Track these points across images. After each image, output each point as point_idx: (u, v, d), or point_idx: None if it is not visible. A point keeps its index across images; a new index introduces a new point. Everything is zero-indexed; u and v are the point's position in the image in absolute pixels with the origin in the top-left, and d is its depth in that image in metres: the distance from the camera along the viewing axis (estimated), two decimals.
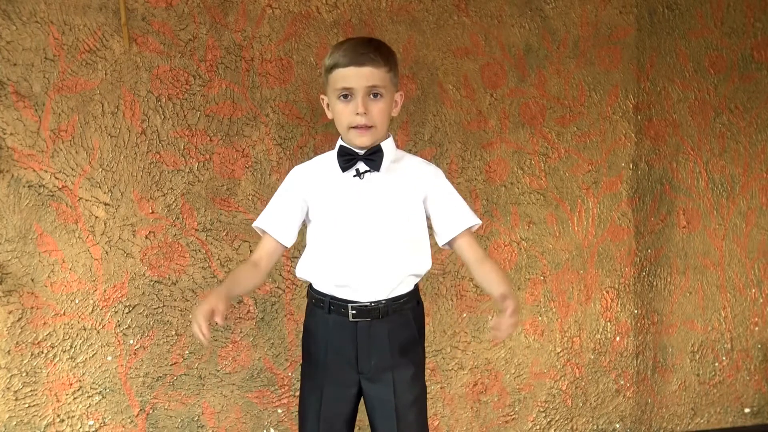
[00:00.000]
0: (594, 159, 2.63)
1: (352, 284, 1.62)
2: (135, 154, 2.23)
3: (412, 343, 1.69)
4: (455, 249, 1.70)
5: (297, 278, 1.74)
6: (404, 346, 1.67)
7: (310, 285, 1.71)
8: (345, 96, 1.59)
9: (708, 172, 2.76)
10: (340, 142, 1.66)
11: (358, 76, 1.57)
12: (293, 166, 1.77)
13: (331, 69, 1.60)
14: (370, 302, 1.63)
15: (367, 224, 1.62)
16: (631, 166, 2.67)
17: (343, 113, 1.60)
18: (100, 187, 2.21)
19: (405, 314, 1.68)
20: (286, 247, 1.69)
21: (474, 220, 1.69)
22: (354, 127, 1.59)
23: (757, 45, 2.78)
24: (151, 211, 2.25)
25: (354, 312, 1.62)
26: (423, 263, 1.69)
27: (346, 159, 1.63)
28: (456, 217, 1.68)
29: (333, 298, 1.64)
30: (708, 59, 2.73)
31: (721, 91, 2.75)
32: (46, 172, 2.17)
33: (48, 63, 2.14)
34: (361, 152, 1.63)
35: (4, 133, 2.13)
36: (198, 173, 2.28)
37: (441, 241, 1.70)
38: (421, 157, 2.39)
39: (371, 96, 1.59)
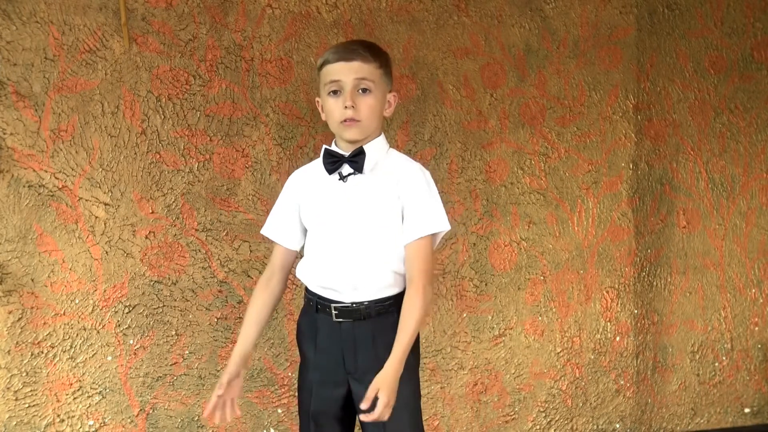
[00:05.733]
0: (594, 159, 2.63)
1: (334, 285, 1.64)
2: (135, 154, 2.23)
3: None
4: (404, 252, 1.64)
5: (296, 278, 1.75)
6: (390, 348, 1.62)
7: (306, 286, 1.73)
8: (335, 92, 1.61)
9: (708, 172, 2.76)
10: (333, 145, 1.68)
11: (346, 70, 1.59)
12: (293, 166, 1.80)
13: (321, 66, 1.64)
14: (352, 303, 1.63)
15: (348, 226, 1.63)
16: (631, 166, 2.67)
17: (333, 108, 1.61)
18: (100, 187, 2.21)
19: (391, 316, 1.63)
20: (296, 251, 1.73)
21: (432, 229, 1.62)
22: (343, 121, 1.60)
23: (757, 45, 2.78)
24: (151, 211, 2.25)
25: (336, 312, 1.64)
26: None
27: (331, 162, 1.64)
28: (412, 222, 1.62)
29: (319, 297, 1.67)
30: (708, 59, 2.73)
31: (721, 91, 2.75)
32: (46, 172, 2.17)
33: (48, 63, 2.14)
34: (346, 154, 1.64)
35: (4, 133, 2.13)
36: (198, 173, 2.28)
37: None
38: (421, 156, 2.43)
39: (360, 91, 1.60)
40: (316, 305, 1.67)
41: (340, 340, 1.64)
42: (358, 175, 1.64)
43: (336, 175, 1.65)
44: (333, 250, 1.64)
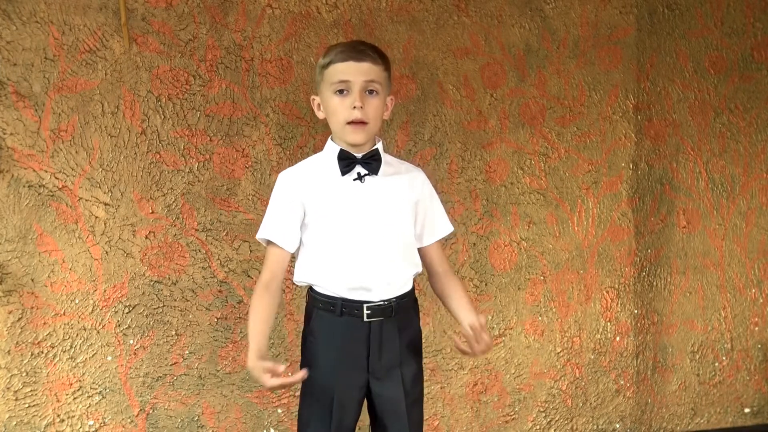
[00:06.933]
0: (594, 159, 2.63)
1: (367, 285, 1.63)
2: (135, 154, 2.23)
3: (416, 340, 1.74)
4: (423, 253, 1.75)
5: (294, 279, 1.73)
6: (410, 343, 1.70)
7: (311, 288, 1.70)
8: (341, 91, 1.60)
9: (708, 172, 2.76)
10: (338, 146, 1.66)
11: (356, 71, 1.58)
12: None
13: (327, 65, 1.61)
14: (383, 301, 1.64)
15: (374, 226, 1.64)
16: (631, 166, 2.67)
17: (339, 108, 1.60)
18: (100, 187, 2.21)
19: (409, 311, 1.72)
20: (291, 254, 1.70)
21: (449, 229, 1.78)
22: (350, 123, 1.60)
23: (757, 45, 2.78)
24: (151, 211, 2.25)
25: (369, 312, 1.63)
26: (419, 262, 1.74)
27: (346, 162, 1.64)
28: (436, 224, 1.75)
29: (345, 300, 1.64)
30: (708, 59, 2.73)
31: (721, 91, 2.75)
32: (46, 172, 2.17)
33: (48, 63, 2.14)
34: (359, 156, 1.64)
35: (4, 133, 2.13)
36: (198, 173, 2.28)
37: (418, 244, 1.75)
38: (421, 156, 2.43)
39: (367, 92, 1.60)
40: (340, 308, 1.64)
41: (367, 340, 1.64)
42: (373, 176, 1.65)
43: (349, 177, 1.64)
44: (363, 250, 1.63)
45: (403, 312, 1.68)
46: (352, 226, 1.63)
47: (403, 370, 1.67)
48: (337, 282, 1.65)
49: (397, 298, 1.66)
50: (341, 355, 1.64)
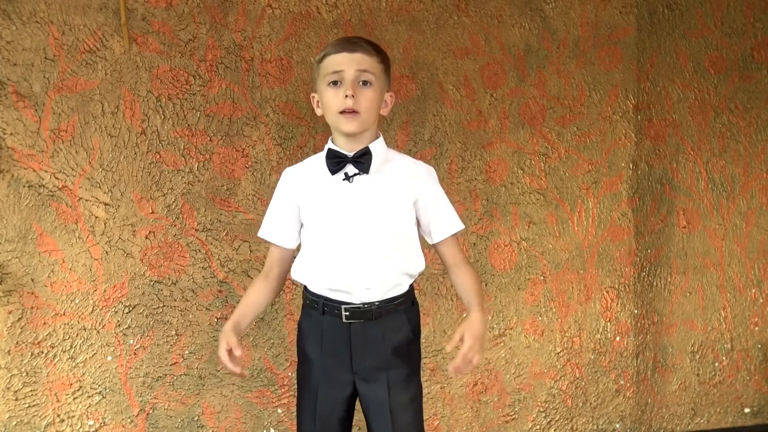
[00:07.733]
0: (594, 159, 2.63)
1: (345, 287, 1.63)
2: (135, 154, 2.23)
3: (407, 344, 1.69)
4: (437, 251, 1.74)
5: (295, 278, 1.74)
6: (399, 347, 1.67)
7: (305, 287, 1.72)
8: (335, 82, 1.60)
9: (708, 172, 2.76)
10: (329, 145, 1.66)
11: (348, 61, 1.59)
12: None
13: (322, 59, 1.63)
14: (363, 303, 1.63)
15: (357, 227, 1.62)
16: (631, 166, 2.67)
17: (332, 99, 1.60)
18: (100, 187, 2.21)
19: (399, 315, 1.67)
20: (293, 250, 1.72)
21: (459, 226, 1.72)
22: (342, 112, 1.59)
23: (757, 45, 2.78)
24: (151, 211, 2.25)
25: (347, 314, 1.63)
26: (416, 263, 1.70)
27: (335, 162, 1.63)
28: (443, 221, 1.71)
29: (326, 299, 1.65)
30: (708, 59, 2.73)
31: (721, 91, 2.75)
32: (46, 172, 2.17)
33: (48, 63, 2.15)
34: (350, 154, 1.63)
35: (4, 133, 2.13)
36: (198, 173, 2.28)
37: (430, 242, 1.73)
38: (421, 156, 2.43)
39: (360, 83, 1.60)
40: (322, 307, 1.65)
41: (349, 341, 1.64)
42: (364, 176, 1.63)
43: (339, 176, 1.64)
44: (343, 252, 1.62)
45: (390, 316, 1.65)
46: (336, 227, 1.63)
47: (390, 374, 1.65)
48: (319, 281, 1.66)
49: (382, 301, 1.64)
50: (325, 353, 1.66)
